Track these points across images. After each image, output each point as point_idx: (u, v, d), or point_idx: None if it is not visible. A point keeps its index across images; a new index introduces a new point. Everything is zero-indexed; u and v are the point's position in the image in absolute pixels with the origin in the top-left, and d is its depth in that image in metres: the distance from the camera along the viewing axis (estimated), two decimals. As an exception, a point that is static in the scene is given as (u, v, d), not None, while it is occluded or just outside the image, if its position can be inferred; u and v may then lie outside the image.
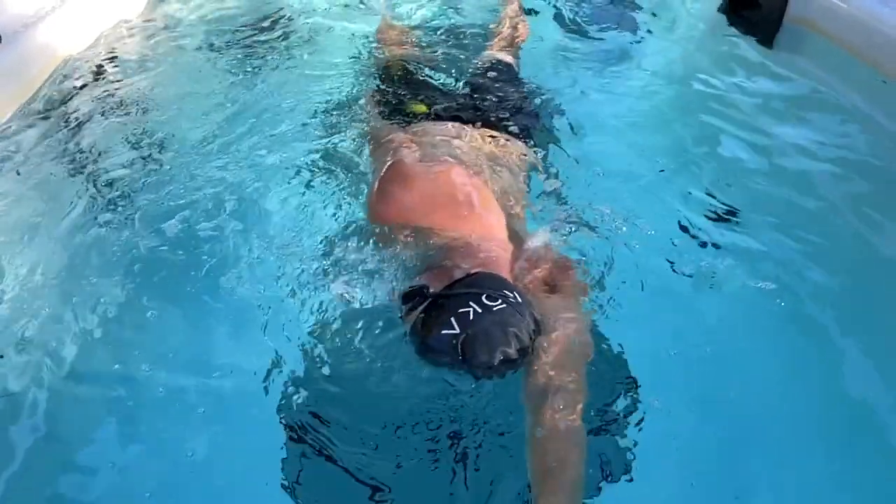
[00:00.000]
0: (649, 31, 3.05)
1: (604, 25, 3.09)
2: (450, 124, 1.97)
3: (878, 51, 2.28)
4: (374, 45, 2.78)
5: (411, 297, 1.35)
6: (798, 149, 2.20)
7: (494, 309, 1.24)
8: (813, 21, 2.56)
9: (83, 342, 1.61)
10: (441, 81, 2.34)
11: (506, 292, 1.28)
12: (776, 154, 2.20)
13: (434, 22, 3.03)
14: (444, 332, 1.23)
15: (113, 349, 1.60)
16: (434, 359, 1.30)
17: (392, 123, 2.04)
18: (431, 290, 1.33)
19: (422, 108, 2.08)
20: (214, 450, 1.43)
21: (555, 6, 3.21)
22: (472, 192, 1.62)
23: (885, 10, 2.30)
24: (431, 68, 2.47)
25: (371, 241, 1.62)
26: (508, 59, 2.52)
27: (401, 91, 2.26)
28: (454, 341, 1.22)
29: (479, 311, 1.23)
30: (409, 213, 1.59)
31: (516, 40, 2.73)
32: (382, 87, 2.33)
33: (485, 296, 1.25)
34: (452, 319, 1.23)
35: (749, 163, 2.19)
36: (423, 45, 2.77)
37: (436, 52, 2.69)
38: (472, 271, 1.36)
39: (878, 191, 1.99)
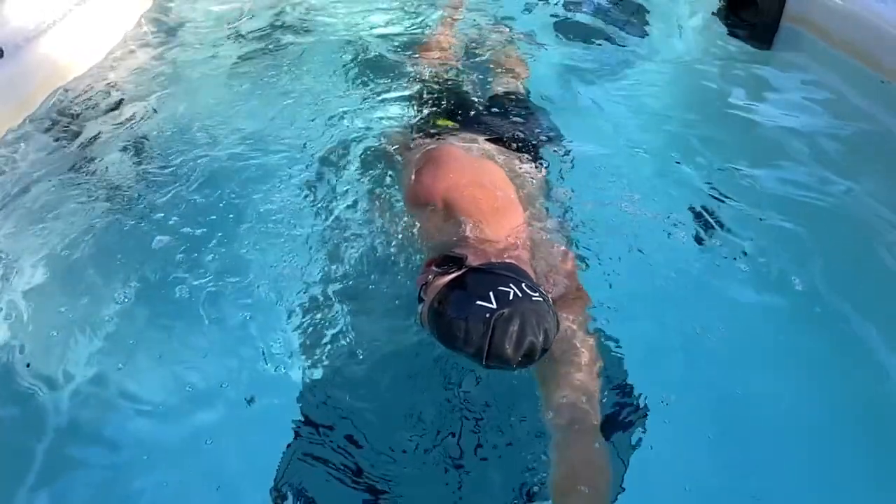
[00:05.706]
0: (652, 34, 3.09)
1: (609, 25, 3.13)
2: (479, 137, 1.96)
3: (877, 49, 2.28)
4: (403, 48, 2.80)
5: (446, 261, 1.32)
6: (798, 146, 2.24)
7: (533, 299, 1.21)
8: (811, 20, 2.56)
9: (92, 342, 1.61)
10: (470, 98, 2.34)
11: (541, 290, 1.26)
12: (778, 153, 2.24)
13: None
14: (478, 302, 1.19)
15: (121, 347, 1.60)
16: (454, 329, 1.21)
17: (419, 133, 2.05)
18: (469, 262, 1.30)
19: (449, 123, 2.09)
20: (212, 450, 1.42)
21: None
22: (510, 187, 1.63)
23: (883, 8, 2.30)
24: (461, 83, 2.48)
25: (404, 216, 1.61)
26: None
27: (436, 105, 2.25)
28: (487, 315, 1.17)
29: (520, 295, 1.20)
30: (453, 191, 1.55)
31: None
32: (419, 97, 2.33)
33: (524, 284, 1.23)
34: (491, 294, 1.19)
35: (756, 165, 2.20)
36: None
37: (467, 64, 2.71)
38: (509, 260, 1.35)
39: (878, 186, 2.03)
